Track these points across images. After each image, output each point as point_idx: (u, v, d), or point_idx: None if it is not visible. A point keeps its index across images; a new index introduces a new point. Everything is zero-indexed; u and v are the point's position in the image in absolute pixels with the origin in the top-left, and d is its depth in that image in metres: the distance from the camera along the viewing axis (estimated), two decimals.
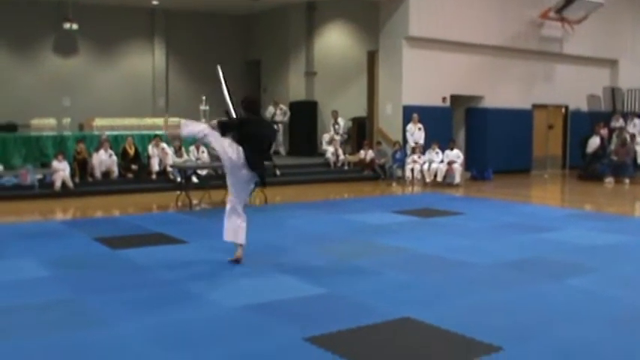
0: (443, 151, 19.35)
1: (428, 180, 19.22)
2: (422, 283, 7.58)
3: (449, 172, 19.07)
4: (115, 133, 18.97)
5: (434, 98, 20.89)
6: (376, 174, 20.37)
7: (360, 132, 23.25)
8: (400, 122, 20.44)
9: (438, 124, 20.56)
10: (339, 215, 12.80)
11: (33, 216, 13.35)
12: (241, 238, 8.38)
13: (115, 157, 17.34)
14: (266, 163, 8.75)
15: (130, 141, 17.85)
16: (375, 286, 7.37)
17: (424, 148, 19.65)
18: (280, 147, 23.68)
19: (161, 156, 17.76)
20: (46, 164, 17.49)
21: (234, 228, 8.35)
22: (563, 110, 25.26)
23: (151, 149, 17.97)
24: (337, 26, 25.04)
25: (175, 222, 12.04)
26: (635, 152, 21.29)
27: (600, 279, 7.78)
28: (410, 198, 16.69)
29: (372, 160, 20.53)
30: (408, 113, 20.13)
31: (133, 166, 17.50)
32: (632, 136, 21.85)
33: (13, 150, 18.09)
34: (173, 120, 20.93)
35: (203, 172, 16.43)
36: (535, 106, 23.83)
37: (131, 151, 17.70)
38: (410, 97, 20.36)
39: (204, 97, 19.91)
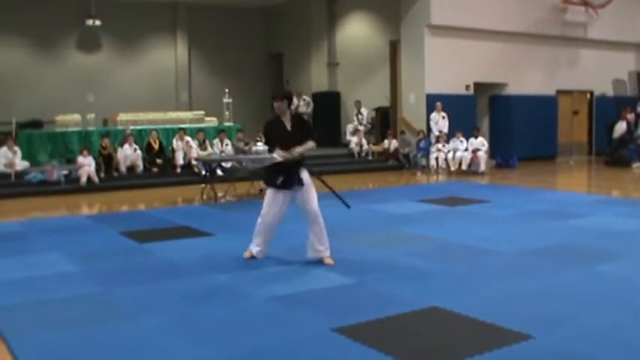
0: (467, 140, 19.28)
1: (452, 168, 19.17)
2: (448, 272, 7.54)
3: (473, 161, 19.00)
4: (139, 127, 19.06)
5: (457, 86, 20.80)
6: (400, 163, 20.32)
7: (384, 122, 23.21)
8: (424, 111, 20.38)
9: (462, 112, 20.47)
10: (365, 205, 12.75)
11: (60, 211, 13.43)
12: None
13: (139, 152, 17.43)
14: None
15: (154, 135, 17.93)
16: (401, 276, 7.35)
17: (448, 137, 19.58)
18: None
19: (185, 149, 17.82)
20: (71, 160, 17.60)
21: None
22: (588, 96, 25.05)
23: (175, 143, 18.03)
24: (359, 16, 24.99)
25: (201, 215, 12.07)
26: None
27: (630, 265, 7.70)
28: (435, 187, 16.62)
29: (396, 150, 20.48)
30: (432, 102, 20.06)
31: (158, 160, 17.56)
32: None
33: (39, 146, 18.24)
34: (198, 113, 20.98)
35: (227, 165, 16.47)
36: (559, 92, 23.66)
37: (155, 146, 17.78)
38: (433, 86, 20.29)
39: (227, 90, 19.97)
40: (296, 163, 7.97)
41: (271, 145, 8.15)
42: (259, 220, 8.16)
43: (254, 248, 8.24)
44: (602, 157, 22.18)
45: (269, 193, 8.12)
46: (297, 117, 8.35)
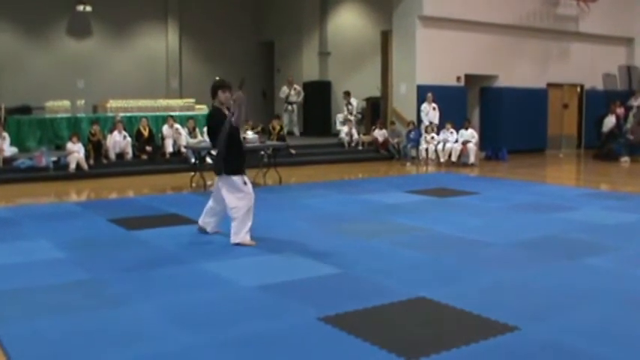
0: (457, 131, 19.28)
1: (442, 160, 19.18)
2: (437, 263, 7.57)
3: (463, 152, 19.02)
4: (129, 114, 19.00)
5: (448, 78, 20.81)
6: (390, 154, 20.33)
7: (374, 112, 23.21)
8: (414, 102, 20.38)
9: (453, 103, 20.47)
10: (354, 195, 12.79)
11: (48, 198, 13.40)
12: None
13: (129, 139, 17.38)
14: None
15: (144, 122, 17.88)
16: (389, 266, 7.37)
17: (438, 128, 19.59)
18: (294, 127, 23.65)
19: (175, 137, 17.78)
20: (60, 146, 17.54)
21: None
22: (579, 89, 25.10)
23: (165, 130, 17.98)
24: (350, 6, 24.95)
25: (190, 203, 12.05)
26: None
27: (617, 258, 7.73)
28: (424, 178, 16.64)
29: (386, 140, 20.48)
30: (423, 93, 20.07)
31: (147, 147, 17.52)
32: None
33: (27, 132, 18.14)
34: (188, 100, 20.97)
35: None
36: (550, 85, 23.70)
37: (145, 133, 17.73)
38: (424, 77, 20.29)
39: (217, 78, 19.89)
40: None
41: (216, 135, 8.47)
42: (245, 207, 8.37)
43: (247, 235, 8.39)
44: (592, 151, 22.25)
45: (238, 179, 8.42)
46: (229, 109, 8.59)
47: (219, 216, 8.96)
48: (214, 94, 8.58)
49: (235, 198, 8.39)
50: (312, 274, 7.01)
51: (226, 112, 8.43)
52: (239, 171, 8.45)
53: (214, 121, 8.58)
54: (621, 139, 20.79)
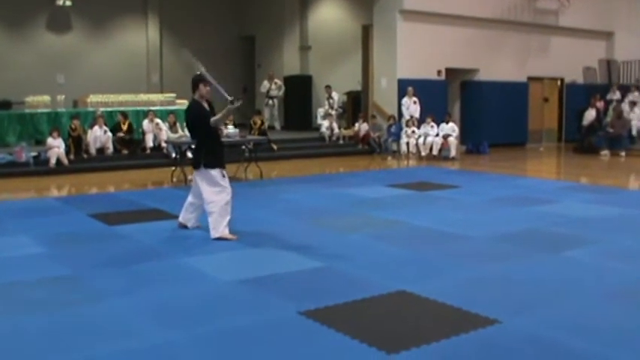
0: (438, 125, 19.33)
1: (423, 154, 19.22)
2: (417, 257, 7.59)
3: (444, 146, 19.08)
4: (110, 109, 18.91)
5: (429, 72, 20.84)
6: (371, 148, 20.34)
7: (355, 106, 23.21)
8: (395, 96, 20.39)
9: (434, 97, 20.51)
10: (335, 189, 12.80)
11: (28, 193, 13.33)
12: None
13: (109, 134, 17.32)
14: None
15: (121, 117, 17.83)
16: (370, 260, 7.38)
17: (419, 122, 19.62)
18: (275, 122, 23.63)
19: (156, 131, 17.73)
20: (40, 141, 17.43)
21: None
22: (559, 83, 25.21)
23: (146, 125, 17.93)
24: (331, 0, 24.90)
25: (171, 198, 12.01)
26: (630, 124, 21.25)
27: (597, 251, 7.77)
28: (405, 172, 16.67)
29: (367, 134, 20.49)
30: (403, 87, 20.09)
31: (121, 134, 17.46)
32: (634, 104, 21.80)
33: (7, 127, 18.03)
34: (169, 95, 20.89)
35: None
36: (530, 79, 23.79)
37: (124, 127, 17.69)
38: (405, 71, 20.31)
39: (198, 73, 19.82)
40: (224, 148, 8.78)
41: (195, 128, 8.59)
42: (222, 202, 8.37)
43: (226, 229, 8.38)
44: (572, 144, 22.35)
45: (217, 172, 8.43)
46: (209, 102, 8.69)
47: (199, 211, 8.94)
48: (195, 87, 8.57)
49: (213, 192, 8.39)
50: (292, 269, 7.01)
51: (205, 106, 8.43)
52: (218, 165, 8.44)
53: (193, 115, 8.58)
54: (601, 132, 20.90)
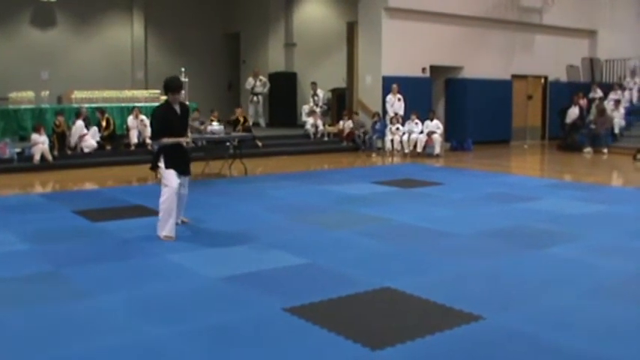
0: (422, 122, 19.36)
1: (407, 151, 19.25)
2: (402, 253, 7.61)
3: (429, 143, 19.11)
4: (94, 105, 18.83)
5: (413, 69, 20.86)
6: (356, 145, 20.36)
7: (340, 103, 23.20)
8: (380, 93, 20.41)
9: (418, 94, 20.54)
10: (320, 186, 12.81)
11: (12, 189, 13.25)
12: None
13: (95, 128, 17.26)
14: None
15: (101, 113, 17.77)
16: (355, 257, 7.40)
17: (404, 119, 19.64)
18: (260, 118, 23.62)
19: (140, 128, 17.68)
20: (24, 137, 17.34)
21: None
22: (543, 81, 25.29)
23: (131, 121, 17.88)
24: None
25: (155, 194, 11.85)
26: (612, 122, 21.35)
27: (580, 247, 7.83)
28: (390, 169, 16.69)
29: (352, 131, 20.51)
30: (388, 84, 20.10)
31: (102, 130, 17.43)
32: (617, 102, 21.90)
33: None
34: (154, 91, 20.84)
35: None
36: (514, 77, 23.86)
37: (104, 123, 17.64)
38: (389, 68, 20.33)
39: (183, 69, 19.81)
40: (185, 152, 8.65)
41: (161, 130, 8.44)
42: (169, 197, 8.36)
43: (172, 232, 8.34)
44: (555, 142, 22.47)
45: (172, 172, 8.45)
46: (183, 105, 8.66)
47: (182, 201, 8.88)
48: (165, 92, 8.48)
49: (164, 191, 8.39)
50: (277, 265, 7.02)
51: (176, 109, 8.39)
52: (172, 166, 8.42)
53: (160, 112, 8.52)
54: (584, 130, 21.02)
